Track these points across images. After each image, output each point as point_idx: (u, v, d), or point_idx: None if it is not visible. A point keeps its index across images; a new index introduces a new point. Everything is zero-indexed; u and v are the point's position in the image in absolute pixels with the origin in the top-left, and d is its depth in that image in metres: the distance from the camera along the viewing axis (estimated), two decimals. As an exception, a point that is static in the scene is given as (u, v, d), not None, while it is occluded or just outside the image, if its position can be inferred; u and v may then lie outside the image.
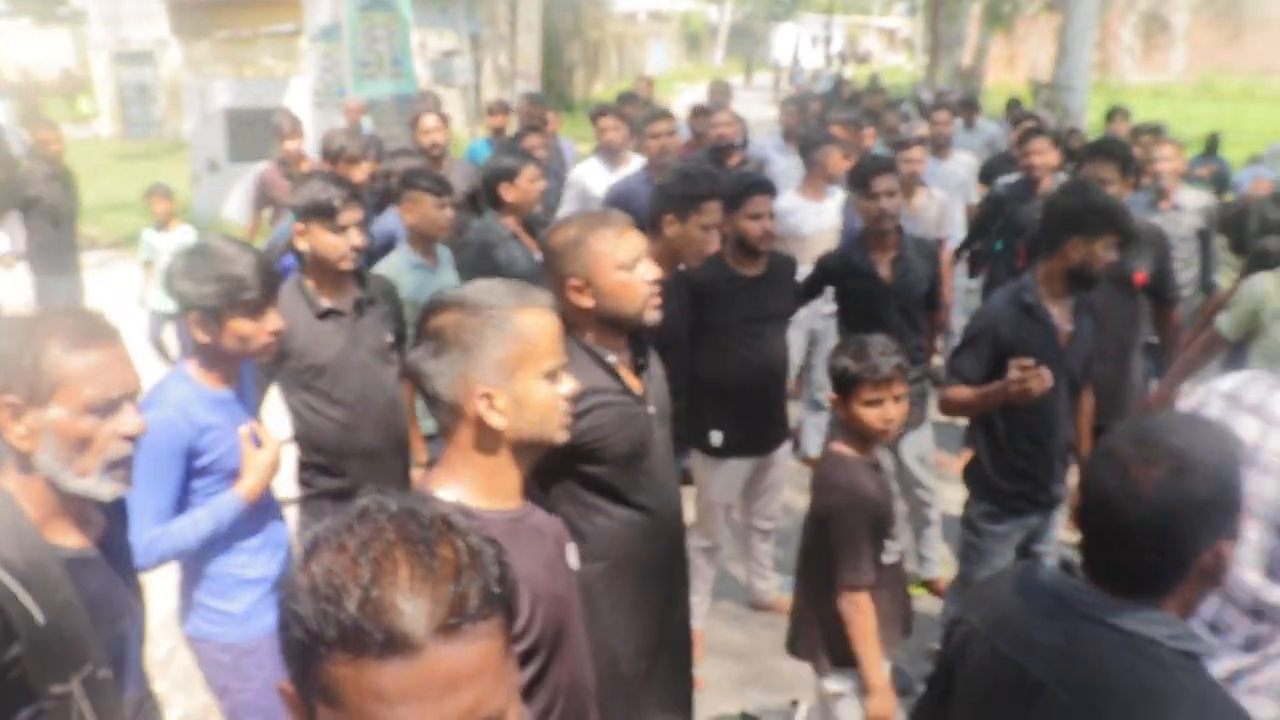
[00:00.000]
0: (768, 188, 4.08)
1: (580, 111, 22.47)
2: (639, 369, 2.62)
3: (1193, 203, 5.72)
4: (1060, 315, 3.52)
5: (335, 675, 0.94)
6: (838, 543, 2.81)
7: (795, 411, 5.51)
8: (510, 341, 1.73)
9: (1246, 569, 2.48)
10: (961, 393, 3.48)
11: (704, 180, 3.60)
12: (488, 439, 1.74)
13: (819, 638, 2.99)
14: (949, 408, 3.63)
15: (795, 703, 3.88)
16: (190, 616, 2.76)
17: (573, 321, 2.48)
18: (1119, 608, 1.53)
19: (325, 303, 3.43)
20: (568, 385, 1.82)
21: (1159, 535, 1.49)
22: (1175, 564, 1.51)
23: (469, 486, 1.72)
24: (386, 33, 14.55)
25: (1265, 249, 4.75)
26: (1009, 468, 3.59)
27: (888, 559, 2.91)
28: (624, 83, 23.45)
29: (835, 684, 2.98)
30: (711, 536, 4.23)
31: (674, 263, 3.59)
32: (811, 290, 4.49)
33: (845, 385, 2.86)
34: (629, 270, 2.43)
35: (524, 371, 1.74)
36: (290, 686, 1.01)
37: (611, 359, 2.52)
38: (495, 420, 1.72)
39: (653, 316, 2.50)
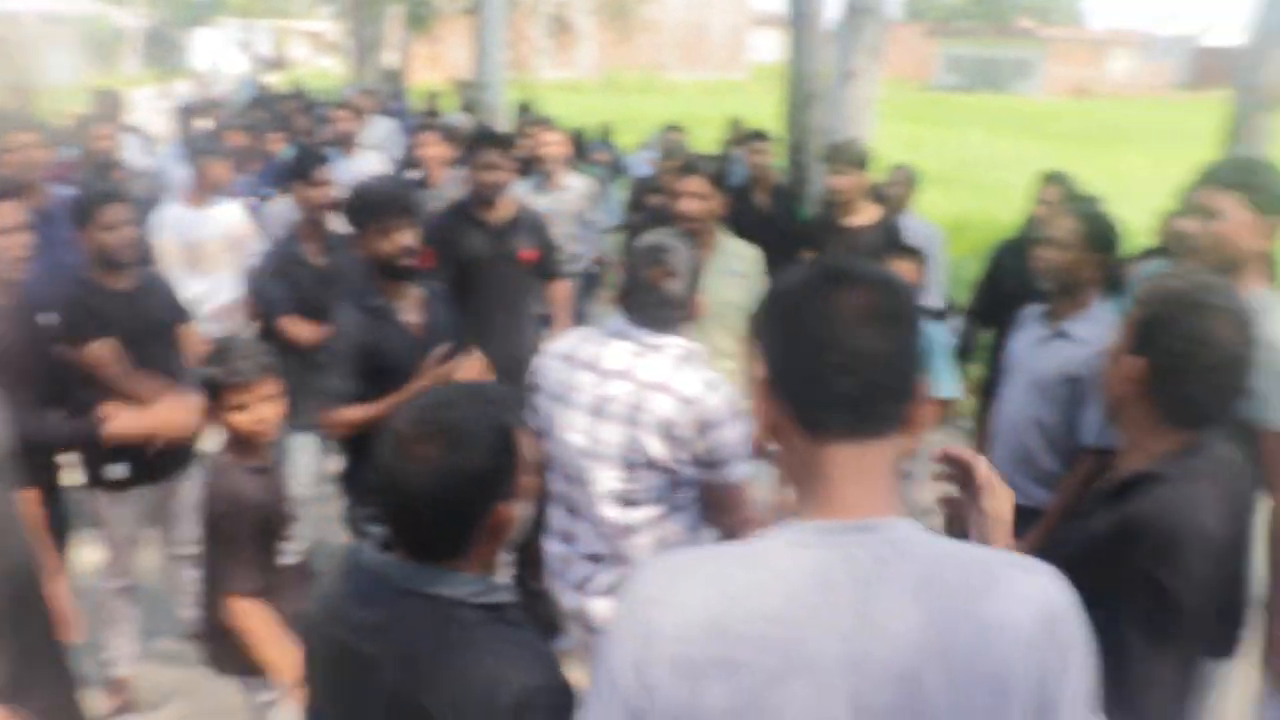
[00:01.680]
0: (116, 197, 3.87)
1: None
2: None
3: (578, 185, 6.31)
4: (408, 309, 3.55)
5: None
6: (220, 551, 2.73)
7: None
8: None
9: (602, 504, 2.80)
10: (355, 412, 3.38)
11: None
12: None
13: (229, 649, 2.89)
14: (342, 428, 3.48)
15: (241, 726, 3.74)
16: None
17: None
18: (427, 576, 1.62)
19: None
20: None
21: (440, 505, 1.59)
22: (461, 529, 1.62)
23: None
24: None
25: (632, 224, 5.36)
26: None
27: (287, 560, 2.88)
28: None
29: (260, 693, 2.92)
30: (127, 574, 3.95)
31: None
32: (281, 309, 4.36)
33: (213, 392, 2.78)
34: None
35: None
36: None
37: None
38: None
39: None
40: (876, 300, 1.28)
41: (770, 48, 49.55)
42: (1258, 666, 2.72)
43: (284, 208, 5.15)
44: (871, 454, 1.29)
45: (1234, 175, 2.75)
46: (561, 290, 5.05)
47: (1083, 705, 1.26)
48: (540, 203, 5.62)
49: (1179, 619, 1.83)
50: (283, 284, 4.47)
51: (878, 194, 5.65)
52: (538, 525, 3.07)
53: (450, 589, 1.61)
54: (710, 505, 2.75)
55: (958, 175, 19.38)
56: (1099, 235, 3.30)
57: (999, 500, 1.60)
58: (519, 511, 1.70)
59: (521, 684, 1.53)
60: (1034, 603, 1.22)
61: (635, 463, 2.73)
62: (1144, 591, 1.81)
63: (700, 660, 1.21)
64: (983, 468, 1.62)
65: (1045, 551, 1.60)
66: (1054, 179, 5.50)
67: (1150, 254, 4.63)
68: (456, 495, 1.59)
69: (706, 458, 2.69)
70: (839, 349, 1.26)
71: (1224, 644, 2.18)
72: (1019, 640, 1.20)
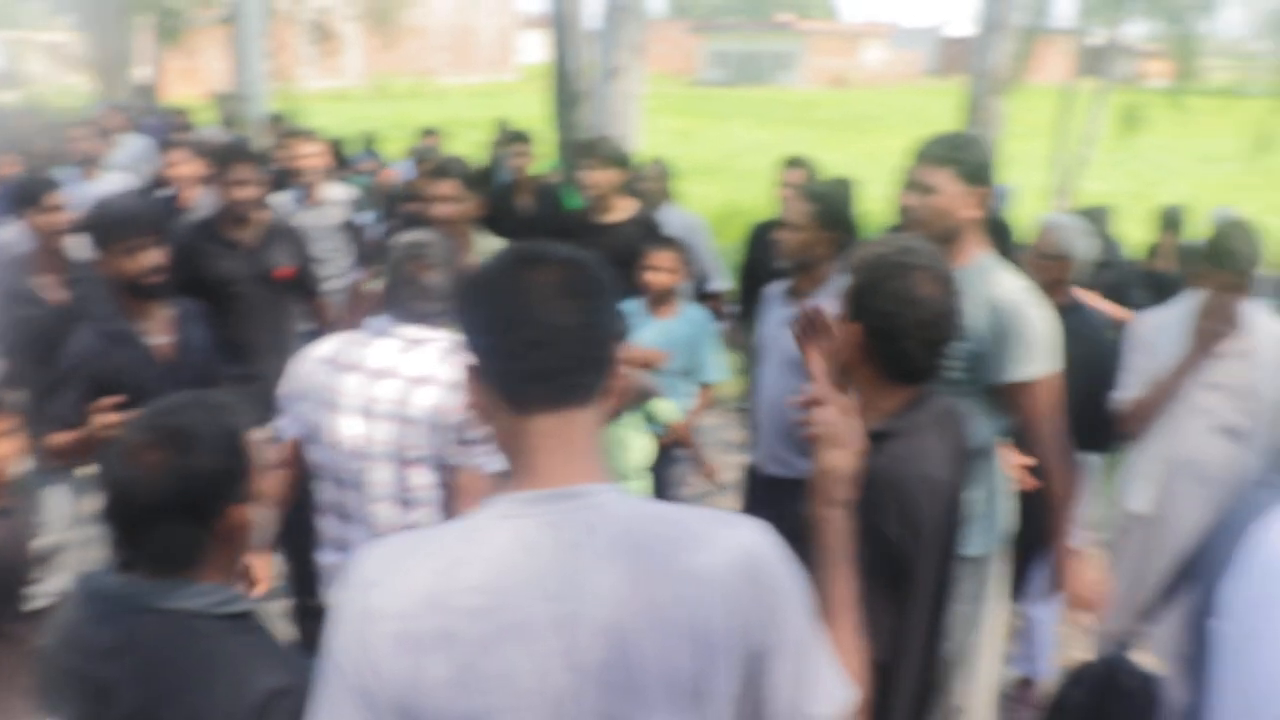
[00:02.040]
0: None
1: None
2: None
3: (339, 197, 6.15)
4: (156, 329, 3.41)
5: None
6: None
7: None
8: None
9: (377, 506, 2.77)
10: (64, 438, 3.21)
11: None
12: None
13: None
14: (54, 454, 3.29)
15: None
16: None
17: None
18: (162, 591, 1.60)
19: None
20: None
21: (172, 511, 1.58)
22: (195, 534, 1.62)
23: None
24: None
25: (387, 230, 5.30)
26: None
27: (38, 605, 2.72)
28: None
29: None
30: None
31: None
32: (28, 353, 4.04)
33: None
34: None
35: None
36: None
37: None
38: None
39: None
40: (565, 277, 1.35)
41: (539, 49, 49.68)
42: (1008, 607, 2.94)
43: (14, 236, 4.82)
44: (573, 424, 1.35)
45: (944, 151, 2.94)
46: (325, 306, 4.94)
47: (800, 652, 1.34)
48: (303, 219, 5.47)
49: (904, 565, 1.96)
50: (10, 331, 4.15)
51: (632, 189, 5.77)
52: (310, 539, 3.02)
53: (187, 601, 1.60)
54: (457, 493, 2.72)
55: (725, 165, 20.02)
56: (831, 214, 3.49)
57: (835, 455, 1.64)
58: (252, 515, 1.70)
59: (264, 687, 1.53)
60: (734, 556, 1.30)
61: (408, 459, 2.72)
62: (868, 542, 1.93)
63: (420, 635, 1.26)
64: (827, 416, 1.67)
65: (796, 519, 1.69)
66: (795, 163, 5.76)
67: (896, 229, 4.93)
68: (187, 498, 1.59)
69: (462, 434, 2.69)
70: (532, 325, 1.32)
71: (948, 581, 2.36)
72: (719, 592, 1.27)
